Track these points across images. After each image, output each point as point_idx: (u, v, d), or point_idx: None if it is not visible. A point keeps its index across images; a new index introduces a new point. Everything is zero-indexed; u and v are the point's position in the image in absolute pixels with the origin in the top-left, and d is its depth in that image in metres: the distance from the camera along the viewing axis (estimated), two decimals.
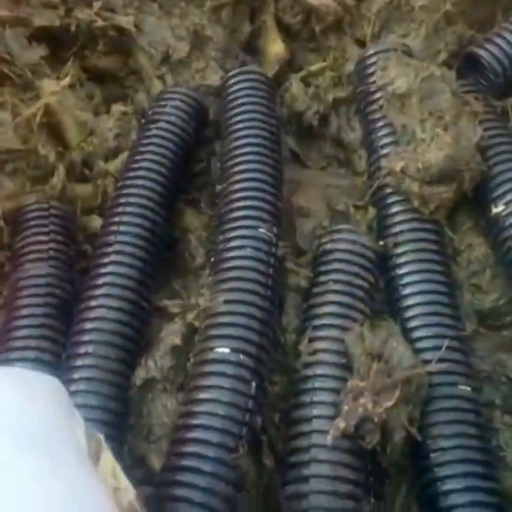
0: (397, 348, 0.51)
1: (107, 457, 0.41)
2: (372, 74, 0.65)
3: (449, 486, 0.48)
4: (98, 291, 0.57)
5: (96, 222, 0.67)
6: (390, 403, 0.48)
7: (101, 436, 0.40)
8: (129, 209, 0.61)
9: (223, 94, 0.69)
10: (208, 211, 0.69)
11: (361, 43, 0.75)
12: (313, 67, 0.75)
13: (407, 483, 0.52)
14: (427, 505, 0.49)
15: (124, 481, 0.42)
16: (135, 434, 0.53)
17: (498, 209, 0.60)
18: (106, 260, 0.59)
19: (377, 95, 0.65)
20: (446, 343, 0.53)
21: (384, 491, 0.52)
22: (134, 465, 0.52)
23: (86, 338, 0.54)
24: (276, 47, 0.76)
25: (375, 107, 0.65)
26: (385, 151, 0.62)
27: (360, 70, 0.68)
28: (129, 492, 0.42)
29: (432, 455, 0.49)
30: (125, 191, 0.63)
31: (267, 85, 0.68)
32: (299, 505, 0.47)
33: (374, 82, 0.65)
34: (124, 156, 0.68)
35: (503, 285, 0.59)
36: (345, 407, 0.48)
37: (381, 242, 0.60)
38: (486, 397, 0.55)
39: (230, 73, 0.69)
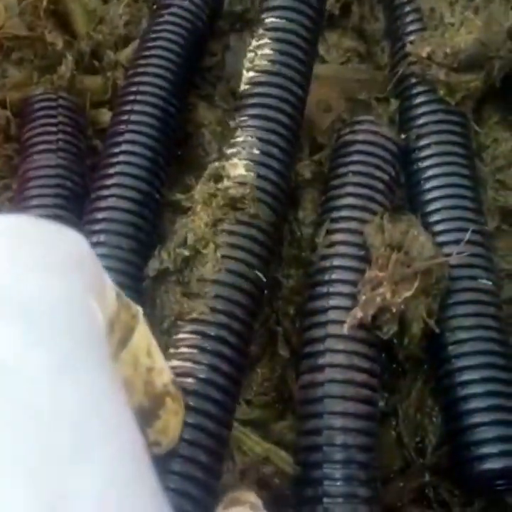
0: (417, 239, 0.49)
1: (143, 333, 0.38)
2: None
3: (466, 376, 0.47)
4: (109, 181, 0.55)
5: (106, 116, 0.65)
6: (408, 293, 0.47)
7: (138, 309, 0.37)
8: (140, 98, 0.58)
9: None
10: (223, 105, 0.66)
11: None
12: None
13: (423, 377, 0.52)
14: (444, 398, 0.49)
15: (160, 362, 0.40)
16: (148, 324, 0.52)
17: None
18: (117, 150, 0.57)
19: None
20: (467, 235, 0.51)
21: (399, 384, 0.52)
22: None
23: (97, 227, 0.53)
24: None
25: None
26: (411, 38, 0.59)
27: None
28: (164, 374, 0.40)
29: (450, 347, 0.49)
30: (136, 79, 0.60)
31: None
32: (313, 393, 0.47)
33: None
34: (134, 45, 0.65)
35: None
36: (363, 297, 0.47)
37: (403, 136, 0.57)
38: (506, 294, 0.54)
39: None
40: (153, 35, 0.62)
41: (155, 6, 0.65)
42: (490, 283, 0.50)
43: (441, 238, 0.52)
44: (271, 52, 0.53)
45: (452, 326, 0.49)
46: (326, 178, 0.56)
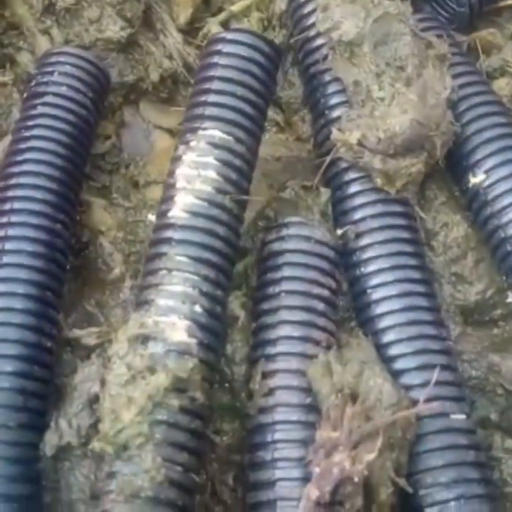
0: (375, 381, 0.40)
1: None
2: (311, 13, 0.52)
3: None
4: None
5: None
6: (371, 456, 0.38)
7: None
8: (16, 219, 0.47)
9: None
10: (123, 202, 0.56)
11: None
12: (235, 7, 0.61)
13: None
14: None
15: None
16: None
17: (476, 179, 0.49)
18: None
19: (319, 42, 0.51)
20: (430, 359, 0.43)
21: None
22: None
23: None
24: None
25: (317, 57, 0.52)
26: (334, 115, 0.50)
27: (295, 10, 0.54)
28: None
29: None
30: (9, 194, 0.49)
31: None
32: None
33: (313, 24, 0.51)
34: (4, 142, 0.54)
35: (488, 272, 0.49)
36: (317, 469, 0.38)
37: (340, 231, 0.48)
38: (479, 413, 0.46)
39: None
40: (26, 134, 0.51)
41: (26, 93, 0.54)
42: (463, 417, 0.42)
43: (398, 365, 0.43)
44: (217, 177, 0.43)
45: (428, 483, 0.40)
46: (255, 299, 0.46)
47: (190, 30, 0.62)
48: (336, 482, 0.38)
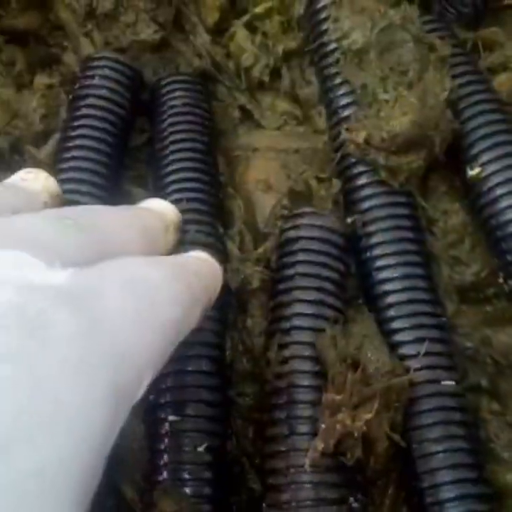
0: (373, 353, 0.47)
1: None
2: (324, 21, 0.57)
3: (440, 495, 0.45)
4: None
5: None
6: (369, 415, 0.45)
7: None
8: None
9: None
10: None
11: None
12: (258, 9, 0.66)
13: (394, 484, 0.50)
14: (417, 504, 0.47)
15: None
16: None
17: (473, 171, 0.54)
18: None
19: (331, 47, 0.57)
20: (425, 333, 0.49)
21: (371, 493, 0.50)
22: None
23: None
24: None
25: (329, 61, 0.57)
26: (345, 114, 0.55)
27: (310, 17, 0.59)
28: None
29: (419, 461, 0.47)
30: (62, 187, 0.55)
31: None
32: None
33: (326, 31, 0.57)
34: (53, 139, 0.60)
35: (483, 255, 0.54)
36: (323, 426, 0.45)
37: (349, 219, 0.54)
38: (471, 380, 0.52)
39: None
40: (73, 133, 0.58)
41: (71, 96, 0.61)
42: (453, 383, 0.48)
43: (398, 338, 0.50)
44: None
45: (419, 439, 0.47)
46: (273, 280, 0.53)
47: (217, 31, 0.67)
48: (338, 436, 0.44)
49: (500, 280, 0.54)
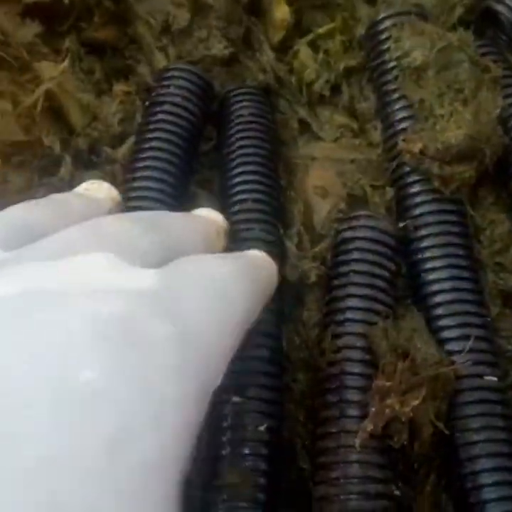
0: (422, 345, 0.50)
1: None
2: (385, 41, 0.62)
3: (479, 480, 0.48)
4: None
5: None
6: (417, 402, 0.48)
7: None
8: (142, 204, 0.60)
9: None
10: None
11: (371, 1, 0.70)
12: (322, 29, 0.71)
13: (435, 472, 0.53)
14: (457, 499, 0.50)
15: None
16: None
17: None
18: None
19: (391, 65, 0.61)
20: (471, 331, 0.52)
21: (412, 480, 0.53)
22: None
23: None
24: (280, 10, 0.72)
25: (388, 77, 0.62)
26: (401, 126, 0.59)
27: (371, 37, 0.64)
28: None
29: (461, 449, 0.50)
30: (136, 184, 0.61)
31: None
32: (329, 508, 0.48)
33: (387, 50, 0.61)
34: (130, 141, 0.66)
35: None
36: (373, 409, 0.48)
37: (401, 224, 0.58)
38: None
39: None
40: (149, 135, 0.63)
41: (147, 102, 0.66)
42: (495, 379, 0.51)
43: (444, 334, 0.53)
44: None
45: (461, 428, 0.50)
46: (328, 276, 0.57)
47: (281, 48, 0.73)
48: (387, 420, 0.48)
49: None
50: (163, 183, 0.61)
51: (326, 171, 0.66)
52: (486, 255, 0.59)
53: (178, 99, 0.65)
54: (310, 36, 0.71)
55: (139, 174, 0.61)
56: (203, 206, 0.65)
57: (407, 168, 0.58)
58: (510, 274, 0.58)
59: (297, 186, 0.66)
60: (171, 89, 0.65)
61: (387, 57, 0.61)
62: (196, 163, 0.67)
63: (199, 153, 0.67)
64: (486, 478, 0.48)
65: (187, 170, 0.64)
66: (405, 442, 0.49)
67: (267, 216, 0.59)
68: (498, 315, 0.57)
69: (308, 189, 0.65)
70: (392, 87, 0.61)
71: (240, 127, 0.65)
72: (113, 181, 0.66)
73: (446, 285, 0.55)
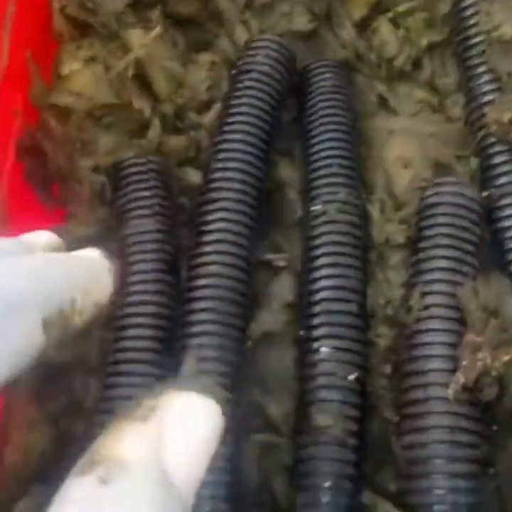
0: (510, 304, 0.52)
1: None
2: (473, 16, 0.64)
3: None
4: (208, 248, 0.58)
5: (191, 175, 0.68)
6: (507, 357, 0.50)
7: None
8: (230, 164, 0.62)
9: None
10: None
11: None
12: (401, 8, 0.73)
13: None
14: None
15: None
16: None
17: None
18: (210, 217, 0.60)
19: (478, 39, 0.63)
20: None
21: (497, 437, 0.54)
22: (253, 414, 0.55)
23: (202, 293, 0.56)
24: None
25: (474, 52, 0.63)
26: (488, 98, 0.61)
27: (458, 12, 0.66)
28: None
29: None
30: (224, 146, 0.63)
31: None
32: (419, 454, 0.49)
33: (475, 24, 0.63)
34: (216, 108, 0.69)
35: None
36: (464, 362, 0.50)
37: (484, 194, 0.60)
38: None
39: None
40: (237, 101, 0.65)
41: (233, 71, 0.68)
42: None
43: None
44: None
45: None
46: (414, 240, 0.58)
47: (362, 25, 0.74)
48: (478, 373, 0.50)
49: None
50: (249, 146, 0.63)
51: (407, 142, 0.67)
52: None
53: (265, 68, 0.67)
54: (390, 14, 0.73)
55: (227, 137, 0.63)
56: (284, 173, 0.68)
57: (492, 139, 0.60)
58: None
59: (376, 157, 0.68)
60: (258, 59, 0.67)
61: (474, 31, 0.63)
62: (279, 131, 0.69)
63: (282, 121, 0.69)
64: None
65: (271, 136, 0.66)
66: (492, 399, 0.50)
67: (351, 181, 0.61)
68: None
69: (389, 159, 0.67)
70: (478, 61, 0.63)
71: (322, 97, 0.67)
72: (197, 147, 0.70)
73: None
